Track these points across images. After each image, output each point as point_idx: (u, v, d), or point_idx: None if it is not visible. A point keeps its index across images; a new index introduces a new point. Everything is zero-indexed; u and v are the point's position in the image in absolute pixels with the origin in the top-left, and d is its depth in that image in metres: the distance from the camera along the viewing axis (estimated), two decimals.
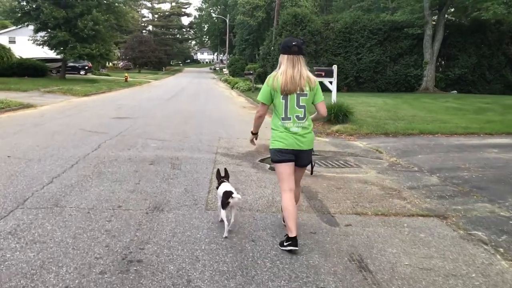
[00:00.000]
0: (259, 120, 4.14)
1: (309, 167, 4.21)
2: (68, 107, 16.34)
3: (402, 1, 30.31)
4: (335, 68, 12.54)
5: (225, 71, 62.58)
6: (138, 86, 35.44)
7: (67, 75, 39.60)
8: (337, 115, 11.81)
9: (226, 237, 3.97)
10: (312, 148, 4.04)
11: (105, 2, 36.00)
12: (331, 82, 12.56)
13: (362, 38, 29.07)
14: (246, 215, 4.68)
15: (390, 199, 5.46)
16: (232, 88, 34.85)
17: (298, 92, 3.81)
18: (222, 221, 4.09)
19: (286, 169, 3.91)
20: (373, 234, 4.20)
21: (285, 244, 3.77)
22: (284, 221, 4.14)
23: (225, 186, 4.19)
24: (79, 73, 46.57)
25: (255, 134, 4.31)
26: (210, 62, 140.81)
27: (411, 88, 29.44)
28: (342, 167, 7.40)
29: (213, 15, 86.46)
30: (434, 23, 29.39)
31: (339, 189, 5.91)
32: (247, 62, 63.20)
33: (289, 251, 3.72)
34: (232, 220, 4.06)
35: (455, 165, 7.48)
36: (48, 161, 6.78)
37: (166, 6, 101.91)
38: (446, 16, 29.53)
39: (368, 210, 4.98)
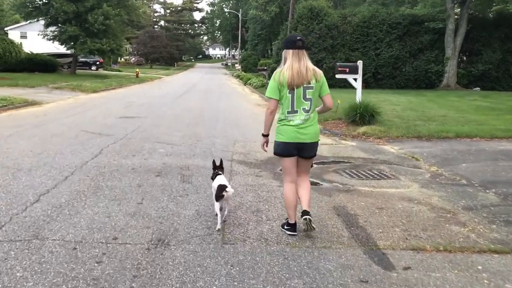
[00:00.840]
0: (271, 116, 4.10)
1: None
2: (74, 105, 15.51)
3: None
4: (360, 64, 11.50)
5: (237, 66, 61.55)
6: (149, 82, 34.63)
7: (78, 71, 39.13)
8: (363, 116, 10.78)
9: (218, 230, 4.11)
10: (317, 141, 4.14)
11: None
12: (355, 79, 11.49)
13: (380, 33, 27.85)
14: (273, 251, 3.69)
15: (447, 225, 4.45)
16: (245, 84, 33.89)
17: (304, 85, 3.87)
18: (217, 214, 4.20)
19: (288, 162, 4.09)
20: (443, 283, 3.20)
21: (285, 227, 4.13)
22: (285, 226, 4.24)
23: (220, 179, 4.38)
24: (90, 68, 46.04)
25: (266, 136, 4.25)
26: (221, 57, 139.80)
27: (431, 85, 28.18)
28: (378, 179, 6.39)
29: (225, 9, 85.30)
30: (456, 17, 28.07)
31: (382, 210, 4.91)
32: (260, 58, 62.21)
33: (289, 234, 4.04)
34: (226, 212, 4.37)
35: (511, 178, 6.43)
36: (40, 172, 5.87)
37: (178, 1, 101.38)
38: (469, 9, 28.15)
39: (425, 242, 3.97)
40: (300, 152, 4.03)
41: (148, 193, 5.11)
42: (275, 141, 4.11)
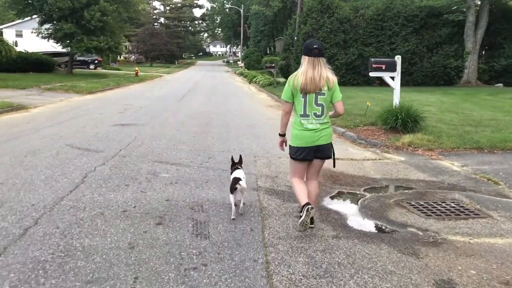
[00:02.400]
0: (286, 116, 4.27)
1: (330, 161, 4.38)
2: (65, 109, 13.74)
3: None
4: (398, 59, 9.69)
5: (240, 64, 59.75)
6: (149, 81, 32.89)
7: (75, 70, 37.65)
8: (406, 122, 8.96)
9: (233, 219, 4.31)
10: (331, 142, 4.25)
11: None
12: (393, 78, 9.68)
13: (396, 26, 26.02)
14: None
15: None
16: (250, 82, 32.13)
17: (317, 91, 3.99)
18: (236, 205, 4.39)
19: (300, 166, 4.24)
20: None
21: (300, 214, 4.02)
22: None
23: (237, 173, 4.53)
24: (88, 67, 44.49)
25: (283, 135, 4.41)
26: (222, 54, 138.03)
27: (450, 82, 26.38)
28: (464, 218, 4.61)
29: (227, 5, 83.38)
30: (477, 8, 26.22)
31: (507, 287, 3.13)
32: (263, 55, 60.44)
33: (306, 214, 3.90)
34: (241, 204, 4.49)
35: None
36: None
37: None
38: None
39: None
40: (316, 153, 4.15)
41: (144, 264, 3.28)
42: (290, 145, 4.22)
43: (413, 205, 5.06)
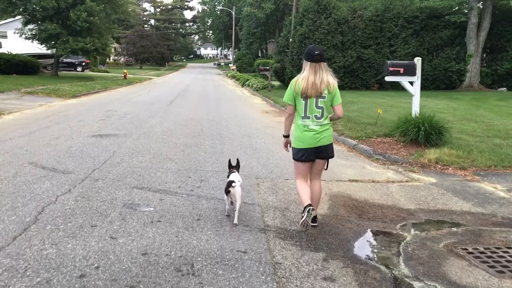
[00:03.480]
0: (289, 118, 4.41)
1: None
2: (42, 116, 12.38)
3: None
4: (418, 62, 8.47)
5: (232, 66, 58.51)
6: (137, 84, 31.54)
7: (62, 72, 36.39)
8: (429, 134, 7.74)
9: (228, 215, 4.48)
10: (332, 143, 4.34)
11: None
12: (412, 83, 8.47)
13: (395, 28, 24.92)
14: None
15: None
16: (243, 85, 30.91)
17: (317, 95, 4.11)
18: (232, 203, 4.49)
19: (303, 167, 4.34)
20: None
21: (303, 213, 4.08)
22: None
23: (232, 176, 4.54)
24: (75, 69, 43.13)
25: (287, 136, 4.55)
26: (213, 57, 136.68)
27: (452, 85, 25.32)
28: None
29: (218, 7, 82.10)
30: (479, 9, 25.19)
31: None
32: (254, 57, 59.30)
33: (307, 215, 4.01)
34: (237, 206, 4.33)
35: None
36: None
37: (168, 0, 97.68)
38: (493, 0, 25.30)
39: None
40: (317, 154, 4.25)
41: None
42: (293, 147, 4.34)
43: (472, 253, 3.83)
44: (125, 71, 37.12)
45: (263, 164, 6.93)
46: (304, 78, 4.12)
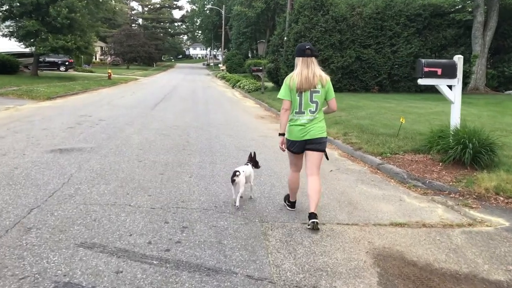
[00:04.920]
0: (285, 114, 4.40)
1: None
2: (2, 122, 10.50)
3: None
4: (459, 61, 6.81)
5: (222, 67, 56.79)
6: (122, 84, 29.64)
7: (43, 72, 34.38)
8: (477, 153, 6.03)
9: (237, 207, 4.71)
10: (323, 137, 4.37)
11: None
12: (450, 87, 6.78)
13: (397, 26, 23.28)
14: None
15: None
16: (233, 87, 29.16)
17: (311, 89, 4.23)
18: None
19: (295, 157, 4.54)
20: None
21: (287, 203, 4.77)
22: (286, 201, 4.84)
23: (241, 167, 4.90)
24: (59, 69, 41.03)
25: (282, 134, 4.52)
26: (203, 57, 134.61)
27: None
28: None
29: (208, 6, 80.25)
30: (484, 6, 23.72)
31: None
32: (244, 58, 57.69)
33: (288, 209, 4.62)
34: (239, 194, 4.73)
35: None
36: None
37: None
38: None
39: None
40: (308, 145, 4.34)
41: None
42: (286, 138, 4.48)
43: None
44: (109, 71, 35.17)
45: (268, 197, 5.17)
46: (298, 73, 4.24)
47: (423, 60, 6.54)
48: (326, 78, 4.29)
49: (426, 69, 6.40)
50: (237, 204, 4.70)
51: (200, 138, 9.17)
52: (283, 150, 4.63)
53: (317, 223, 4.13)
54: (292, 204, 4.70)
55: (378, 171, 6.64)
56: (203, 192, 5.20)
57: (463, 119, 11.11)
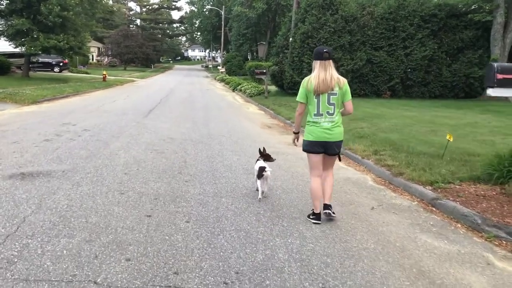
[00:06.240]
0: (300, 117, 4.65)
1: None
2: None
3: None
4: None
5: (221, 69, 55.30)
6: (117, 87, 28.13)
7: (36, 73, 32.92)
8: None
9: (260, 199, 5.10)
10: (341, 140, 4.49)
11: None
12: None
13: (411, 27, 21.76)
14: None
15: None
16: (234, 90, 27.60)
17: (329, 91, 4.31)
18: (257, 189, 5.17)
19: (315, 158, 4.53)
20: None
21: (311, 217, 4.52)
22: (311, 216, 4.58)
23: (260, 163, 5.28)
24: (52, 70, 39.43)
25: (297, 133, 4.85)
26: (201, 59, 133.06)
27: (471, 94, 22.29)
28: None
29: (207, 7, 78.72)
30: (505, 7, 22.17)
31: None
32: (244, 60, 56.24)
33: (314, 223, 4.40)
34: (266, 189, 5.24)
35: None
36: None
37: None
38: None
39: None
40: (326, 149, 4.46)
41: None
42: (304, 140, 4.56)
43: None
44: (104, 72, 33.60)
45: (301, 264, 3.58)
46: (315, 76, 4.33)
47: (495, 64, 4.96)
48: (344, 80, 4.38)
49: (500, 76, 4.83)
50: (260, 196, 5.11)
51: (200, 156, 7.59)
52: (296, 145, 5.00)
53: (330, 213, 4.46)
54: (317, 217, 4.49)
55: (434, 209, 5.06)
56: (206, 252, 3.61)
57: (508, 133, 9.59)
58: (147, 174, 6.08)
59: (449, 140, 6.69)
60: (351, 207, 5.05)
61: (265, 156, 5.50)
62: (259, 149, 5.65)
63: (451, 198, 5.08)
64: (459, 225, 4.55)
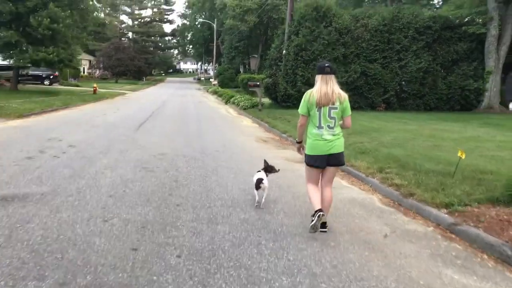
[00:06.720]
0: (301, 128, 4.74)
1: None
2: None
3: None
4: None
5: (214, 81, 55.01)
6: (107, 100, 27.57)
7: (26, 86, 32.33)
8: None
9: (257, 206, 5.30)
10: (343, 152, 4.52)
11: None
12: None
13: (405, 39, 21.51)
14: None
15: None
16: (227, 103, 27.15)
17: (330, 105, 4.37)
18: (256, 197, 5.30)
19: (315, 172, 4.61)
20: None
21: (313, 218, 4.37)
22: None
23: (259, 174, 5.42)
24: (43, 83, 38.79)
25: (300, 142, 4.96)
26: (193, 72, 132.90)
27: (467, 106, 22.04)
28: None
29: (199, 20, 78.65)
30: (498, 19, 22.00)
31: None
32: (236, 72, 56.08)
33: (317, 219, 4.28)
34: (263, 200, 5.31)
35: None
36: None
37: (147, 12, 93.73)
38: None
39: None
40: (328, 162, 4.48)
41: None
42: (306, 154, 4.61)
43: None
44: (95, 85, 33.03)
45: None
46: (317, 90, 4.39)
47: None
48: (345, 96, 4.46)
49: None
50: (261, 205, 5.26)
51: (193, 175, 7.07)
52: (302, 155, 4.88)
53: (323, 214, 4.30)
54: (319, 212, 4.35)
55: (454, 236, 4.56)
56: None
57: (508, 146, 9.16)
58: (135, 197, 5.53)
59: (460, 158, 6.21)
60: (361, 235, 4.54)
61: (268, 167, 5.62)
62: (264, 160, 5.79)
63: (471, 224, 4.59)
64: (485, 256, 4.06)
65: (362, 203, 5.80)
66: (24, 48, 25.52)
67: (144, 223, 4.56)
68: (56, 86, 38.55)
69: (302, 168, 5.25)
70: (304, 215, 5.09)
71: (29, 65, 29.23)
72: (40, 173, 6.69)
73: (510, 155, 8.23)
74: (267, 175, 5.51)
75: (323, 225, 4.40)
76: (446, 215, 4.91)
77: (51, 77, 39.90)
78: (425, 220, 5.09)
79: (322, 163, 4.48)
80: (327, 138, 4.40)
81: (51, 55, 25.53)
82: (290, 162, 8.37)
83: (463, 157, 6.18)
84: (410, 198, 5.64)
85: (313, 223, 4.25)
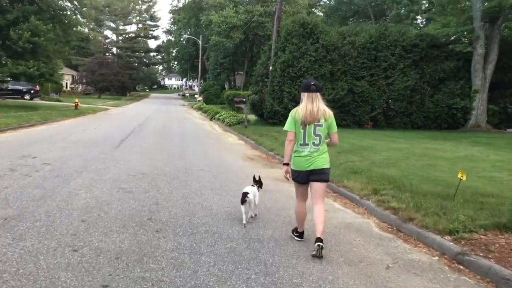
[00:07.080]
0: (290, 145, 4.59)
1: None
2: None
3: (441, 10, 23.10)
4: None
5: (198, 97, 54.62)
6: (89, 115, 26.89)
7: (6, 100, 31.93)
8: None
9: (245, 225, 5.09)
10: (328, 168, 4.56)
11: (49, 9, 27.93)
12: None
13: (392, 57, 21.42)
14: None
15: None
16: (211, 119, 26.73)
17: (315, 123, 4.43)
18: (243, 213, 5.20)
19: (300, 186, 4.71)
20: None
21: (295, 234, 4.76)
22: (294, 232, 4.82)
23: (247, 188, 5.30)
24: (23, 98, 37.86)
25: (287, 164, 4.70)
26: (178, 88, 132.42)
27: (455, 125, 21.96)
28: None
29: (185, 36, 78.42)
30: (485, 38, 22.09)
31: None
32: (222, 89, 55.86)
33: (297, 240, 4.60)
34: (252, 213, 5.42)
35: None
36: None
37: (132, 28, 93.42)
38: (501, 30, 22.36)
39: None
40: (311, 176, 4.52)
41: None
42: (291, 169, 4.65)
43: None
44: (76, 100, 32.32)
45: None
46: (303, 107, 4.45)
47: None
48: (330, 113, 4.50)
49: None
50: (245, 222, 5.10)
51: (175, 196, 6.56)
52: (287, 179, 4.75)
53: (322, 247, 4.18)
54: (301, 235, 4.69)
55: (462, 267, 4.14)
56: None
57: (504, 166, 8.85)
58: (110, 222, 5.01)
59: (461, 179, 5.84)
60: (361, 266, 4.09)
61: (258, 183, 5.66)
62: (253, 176, 5.82)
63: (481, 254, 4.17)
64: None
65: (358, 229, 5.36)
66: (4, 62, 24.89)
67: (118, 253, 4.04)
68: (37, 101, 37.77)
69: (292, 188, 4.95)
70: (297, 244, 4.63)
71: (8, 78, 28.54)
72: (7, 194, 6.12)
73: (508, 175, 7.90)
74: (258, 190, 5.56)
75: (319, 239, 4.29)
76: (452, 243, 4.50)
77: (32, 91, 39.10)
78: (428, 248, 4.67)
79: (302, 179, 4.55)
80: (308, 154, 4.45)
81: (31, 69, 25.00)
82: (279, 182, 7.92)
83: (464, 178, 5.80)
84: (409, 223, 5.22)
85: (314, 253, 4.21)
